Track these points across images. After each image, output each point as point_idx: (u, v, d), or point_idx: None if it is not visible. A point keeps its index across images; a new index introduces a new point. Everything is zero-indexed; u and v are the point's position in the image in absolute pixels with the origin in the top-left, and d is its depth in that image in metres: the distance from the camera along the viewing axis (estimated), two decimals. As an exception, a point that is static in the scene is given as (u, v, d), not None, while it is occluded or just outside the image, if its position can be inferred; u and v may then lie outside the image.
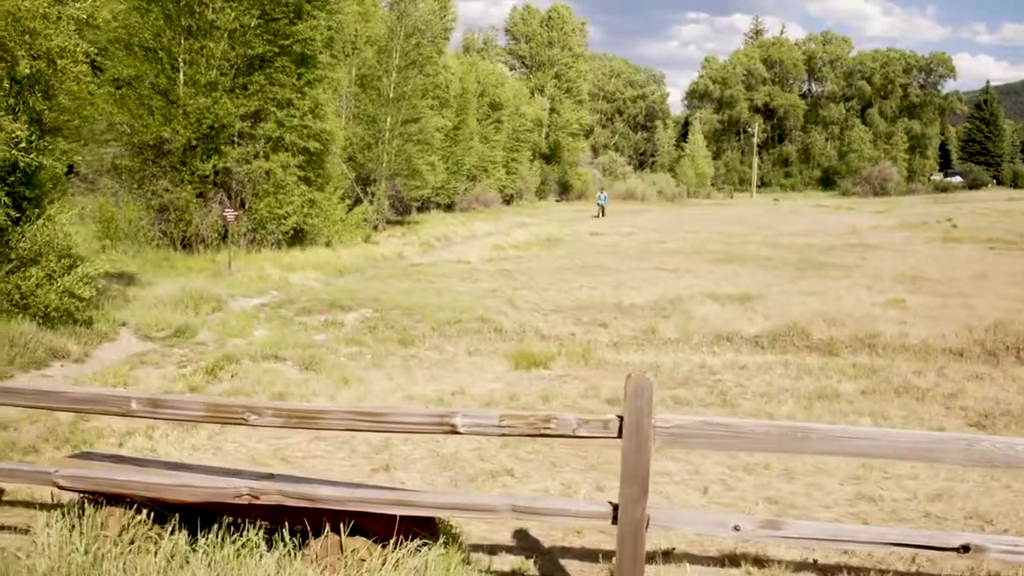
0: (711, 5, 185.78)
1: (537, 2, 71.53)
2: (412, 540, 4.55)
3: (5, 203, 10.98)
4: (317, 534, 4.65)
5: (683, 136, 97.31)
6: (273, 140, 24.22)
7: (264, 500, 4.50)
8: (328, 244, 25.84)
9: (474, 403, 9.59)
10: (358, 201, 31.41)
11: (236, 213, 20.74)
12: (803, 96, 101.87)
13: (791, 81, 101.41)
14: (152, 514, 4.73)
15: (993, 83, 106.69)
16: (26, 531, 5.10)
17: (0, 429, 7.68)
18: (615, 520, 4.33)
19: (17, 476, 4.73)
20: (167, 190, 23.05)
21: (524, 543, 5.54)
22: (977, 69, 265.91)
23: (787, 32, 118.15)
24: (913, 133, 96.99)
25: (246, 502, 4.51)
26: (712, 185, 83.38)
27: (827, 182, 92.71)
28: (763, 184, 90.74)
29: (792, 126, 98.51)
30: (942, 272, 21.72)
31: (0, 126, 10.53)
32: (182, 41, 23.16)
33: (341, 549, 4.55)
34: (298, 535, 4.68)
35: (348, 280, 19.39)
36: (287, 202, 24.17)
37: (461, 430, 4.31)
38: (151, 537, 4.70)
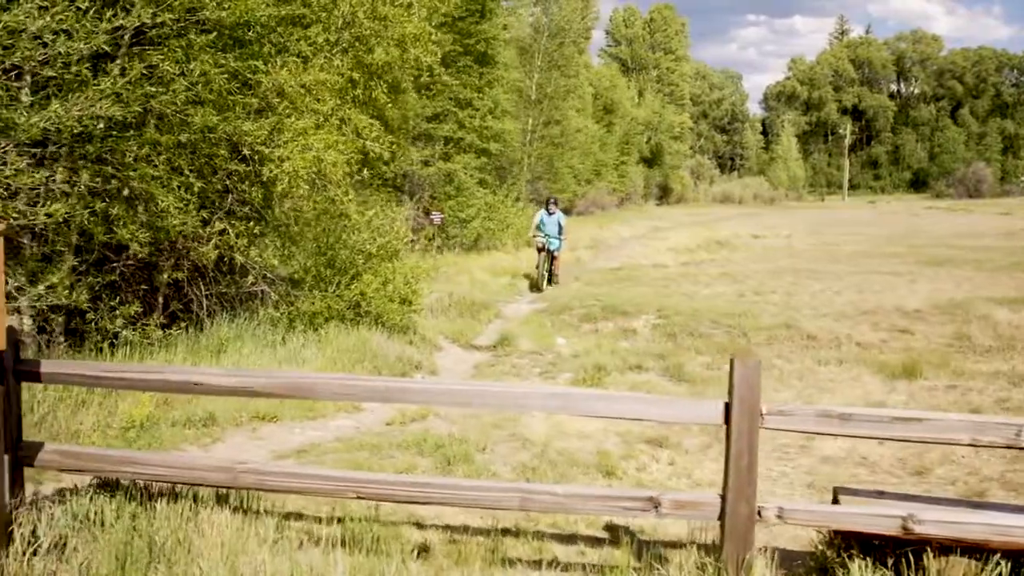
0: (770, 7, 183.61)
1: (635, 1, 70.64)
2: None
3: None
4: None
5: (764, 138, 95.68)
6: (453, 141, 23.64)
7: None
8: (496, 248, 25.12)
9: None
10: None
11: (442, 216, 20.12)
12: (892, 97, 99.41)
13: (880, 82, 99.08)
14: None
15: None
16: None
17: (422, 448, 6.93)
18: None
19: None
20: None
21: None
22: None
23: (872, 32, 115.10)
24: (1007, 133, 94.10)
25: None
26: (802, 187, 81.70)
27: (918, 184, 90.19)
28: (852, 187, 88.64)
29: (881, 127, 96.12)
30: None
31: (349, 117, 9.95)
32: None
33: None
34: None
35: (572, 285, 18.64)
36: (468, 205, 23.56)
37: None
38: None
